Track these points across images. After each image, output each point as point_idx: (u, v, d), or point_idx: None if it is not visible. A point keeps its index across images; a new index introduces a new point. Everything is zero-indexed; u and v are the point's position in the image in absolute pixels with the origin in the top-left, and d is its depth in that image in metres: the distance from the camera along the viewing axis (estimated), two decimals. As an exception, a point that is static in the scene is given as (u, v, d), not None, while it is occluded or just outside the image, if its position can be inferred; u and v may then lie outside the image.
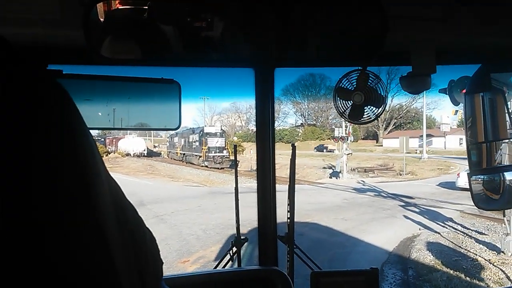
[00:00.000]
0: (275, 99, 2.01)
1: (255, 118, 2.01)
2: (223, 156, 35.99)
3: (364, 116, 1.59)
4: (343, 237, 11.39)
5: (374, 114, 1.58)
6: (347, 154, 28.47)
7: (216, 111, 73.05)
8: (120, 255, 0.53)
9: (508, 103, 1.98)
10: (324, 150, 51.42)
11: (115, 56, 1.55)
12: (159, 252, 0.76)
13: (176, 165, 38.27)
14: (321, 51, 1.56)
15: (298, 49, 1.65)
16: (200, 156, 38.13)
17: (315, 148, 48.80)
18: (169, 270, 8.33)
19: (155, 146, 65.54)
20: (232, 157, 36.40)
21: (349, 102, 1.61)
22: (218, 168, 34.65)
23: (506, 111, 1.86)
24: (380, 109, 1.57)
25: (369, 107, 1.58)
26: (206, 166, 36.02)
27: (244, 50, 1.60)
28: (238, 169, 2.60)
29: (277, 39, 1.54)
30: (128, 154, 47.40)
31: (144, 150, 50.12)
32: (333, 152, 50.27)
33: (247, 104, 66.94)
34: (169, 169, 34.96)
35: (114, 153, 48.14)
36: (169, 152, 50.21)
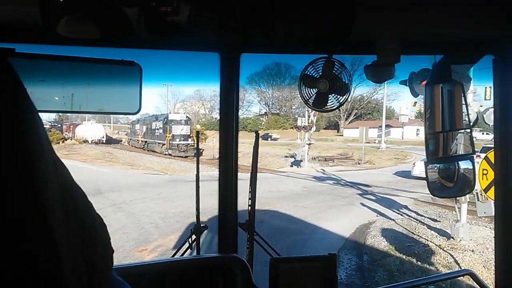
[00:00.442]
0: (240, 87, 1.98)
1: (219, 106, 1.97)
2: (188, 144, 35.10)
3: (328, 104, 1.59)
4: (302, 224, 11.60)
5: (338, 102, 1.59)
6: (308, 144, 28.89)
7: (179, 98, 71.97)
8: (65, 242, 0.52)
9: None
10: (269, 139, 52.76)
11: (72, 35, 1.46)
12: (109, 240, 0.73)
13: (136, 153, 37.28)
14: (288, 38, 1.53)
15: (264, 35, 1.62)
16: (164, 144, 36.99)
17: (260, 137, 49.13)
18: (126, 259, 8.18)
19: (118, 134, 63.89)
20: (197, 146, 34.98)
21: (314, 89, 1.60)
22: (182, 157, 33.67)
23: (463, 103, 1.93)
24: (344, 97, 1.57)
25: (333, 95, 1.58)
26: (170, 155, 35.19)
27: (210, 34, 1.55)
28: (200, 157, 2.56)
29: (243, 23, 1.50)
30: (86, 141, 45.79)
31: (103, 137, 48.64)
32: (277, 140, 52.79)
33: (211, 92, 66.41)
34: (128, 156, 34.10)
35: (71, 139, 46.40)
36: (130, 139, 48.76)
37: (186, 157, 33.39)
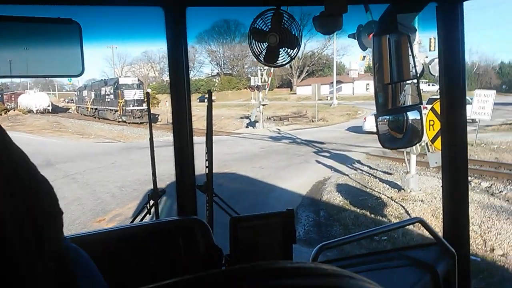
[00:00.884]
0: (188, 45, 1.89)
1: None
2: (143, 109, 32.81)
3: (279, 58, 1.56)
4: (260, 184, 11.79)
5: (289, 56, 1.56)
6: (263, 105, 28.93)
7: (126, 61, 69.05)
8: (7, 204, 0.52)
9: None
10: (205, 100, 51.24)
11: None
12: (57, 202, 0.70)
13: (86, 121, 35.78)
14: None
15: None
16: (116, 111, 35.14)
17: (197, 98, 48.31)
18: (83, 230, 8.02)
19: (68, 102, 60.87)
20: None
21: (264, 44, 1.56)
22: (137, 123, 32.04)
23: (410, 53, 1.96)
24: (295, 50, 1.55)
25: (284, 49, 1.55)
26: (124, 122, 33.66)
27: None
28: (153, 123, 2.49)
29: None
30: (30, 111, 43.36)
31: (49, 106, 46.23)
32: (214, 101, 52.01)
33: (160, 53, 64.10)
34: (78, 125, 32.74)
35: (14, 110, 43.78)
36: (78, 107, 46.58)
37: (141, 123, 31.69)
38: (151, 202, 2.31)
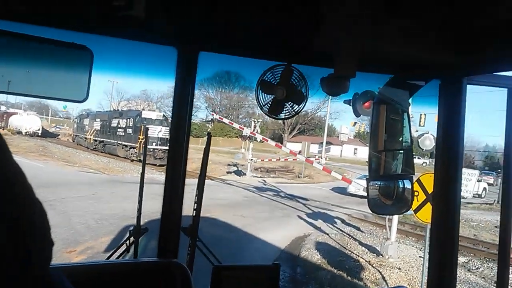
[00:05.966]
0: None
1: (165, 108, 1.86)
2: (166, 150, 27.00)
3: (283, 111, 1.60)
4: (240, 233, 11.58)
5: (294, 110, 1.60)
6: (251, 160, 28.90)
7: (124, 96, 69.46)
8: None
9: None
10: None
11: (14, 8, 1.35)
12: (49, 230, 0.67)
13: (73, 149, 35.07)
14: (248, 41, 1.53)
15: (224, 35, 1.60)
16: (132, 147, 30.21)
17: None
18: (53, 260, 7.66)
19: (56, 128, 60.38)
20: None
21: (270, 96, 1.60)
22: (156, 165, 26.28)
23: (404, 125, 2.02)
24: (301, 105, 1.59)
25: (289, 103, 1.59)
26: (141, 161, 29.70)
27: (169, 27, 1.50)
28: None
29: (204, 20, 1.47)
30: (19, 132, 42.74)
31: (39, 130, 45.60)
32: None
33: (159, 94, 64.92)
34: (64, 152, 32.20)
35: (3, 129, 43.11)
36: (76, 136, 43.05)
37: (160, 165, 25.94)
38: (132, 239, 2.24)
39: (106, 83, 58.96)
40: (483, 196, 28.60)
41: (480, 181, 30.23)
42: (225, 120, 28.94)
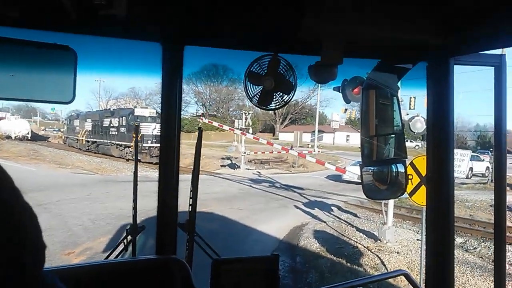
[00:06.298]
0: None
1: (154, 105, 1.84)
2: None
3: (273, 102, 1.59)
4: (238, 226, 11.61)
5: (283, 100, 1.59)
6: (244, 152, 28.87)
7: (112, 95, 69.05)
8: None
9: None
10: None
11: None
12: (41, 233, 0.66)
13: (65, 151, 34.72)
14: (233, 33, 1.51)
15: (208, 28, 1.58)
16: (126, 146, 29.61)
17: None
18: (51, 262, 7.65)
19: (45, 130, 59.77)
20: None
21: (258, 87, 1.59)
22: (152, 163, 25.01)
23: (395, 109, 2.02)
24: (290, 95, 1.58)
25: (278, 93, 1.58)
26: (139, 160, 28.97)
27: (152, 23, 1.49)
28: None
29: (187, 14, 1.45)
30: (8, 137, 42.22)
31: (28, 133, 45.15)
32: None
33: (147, 91, 64.57)
34: (56, 154, 31.93)
35: (-9, 135, 42.65)
36: (67, 138, 42.44)
37: (157, 163, 24.22)
38: (129, 237, 2.23)
39: (93, 83, 58.49)
40: (487, 175, 27.97)
41: (483, 160, 30.14)
42: (215, 124, 28.37)
